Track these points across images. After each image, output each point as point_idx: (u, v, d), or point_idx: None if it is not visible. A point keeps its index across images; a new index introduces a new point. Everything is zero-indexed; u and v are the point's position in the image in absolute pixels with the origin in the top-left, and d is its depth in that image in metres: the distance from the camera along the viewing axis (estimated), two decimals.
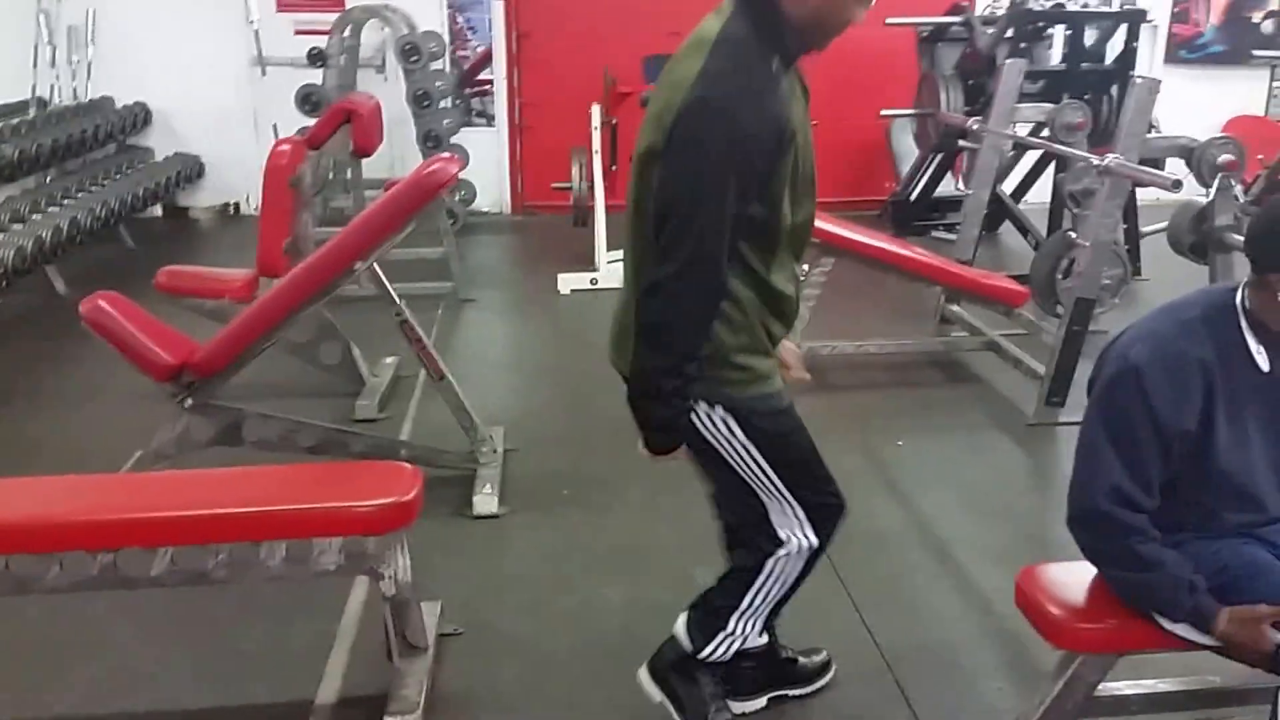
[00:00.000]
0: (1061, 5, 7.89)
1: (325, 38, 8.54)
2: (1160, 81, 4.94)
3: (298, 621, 3.50)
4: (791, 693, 3.12)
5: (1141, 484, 2.36)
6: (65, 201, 7.27)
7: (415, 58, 8.29)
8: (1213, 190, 5.15)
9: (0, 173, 6.97)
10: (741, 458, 2.57)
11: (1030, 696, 2.79)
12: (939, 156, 8.47)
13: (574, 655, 3.37)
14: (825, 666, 3.19)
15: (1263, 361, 2.38)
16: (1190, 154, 5.92)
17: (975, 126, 6.69)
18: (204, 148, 9.40)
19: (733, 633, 2.82)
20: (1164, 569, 2.35)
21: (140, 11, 8.93)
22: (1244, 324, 2.38)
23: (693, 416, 2.52)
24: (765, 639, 3.01)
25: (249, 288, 5.09)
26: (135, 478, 3.76)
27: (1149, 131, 5.23)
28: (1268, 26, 10.09)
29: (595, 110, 7.78)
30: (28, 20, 8.69)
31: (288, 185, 5.26)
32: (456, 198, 8.55)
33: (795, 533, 2.67)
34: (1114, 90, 7.54)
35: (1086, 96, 7.23)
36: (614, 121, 7.95)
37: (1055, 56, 8.22)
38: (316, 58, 8.61)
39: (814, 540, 2.68)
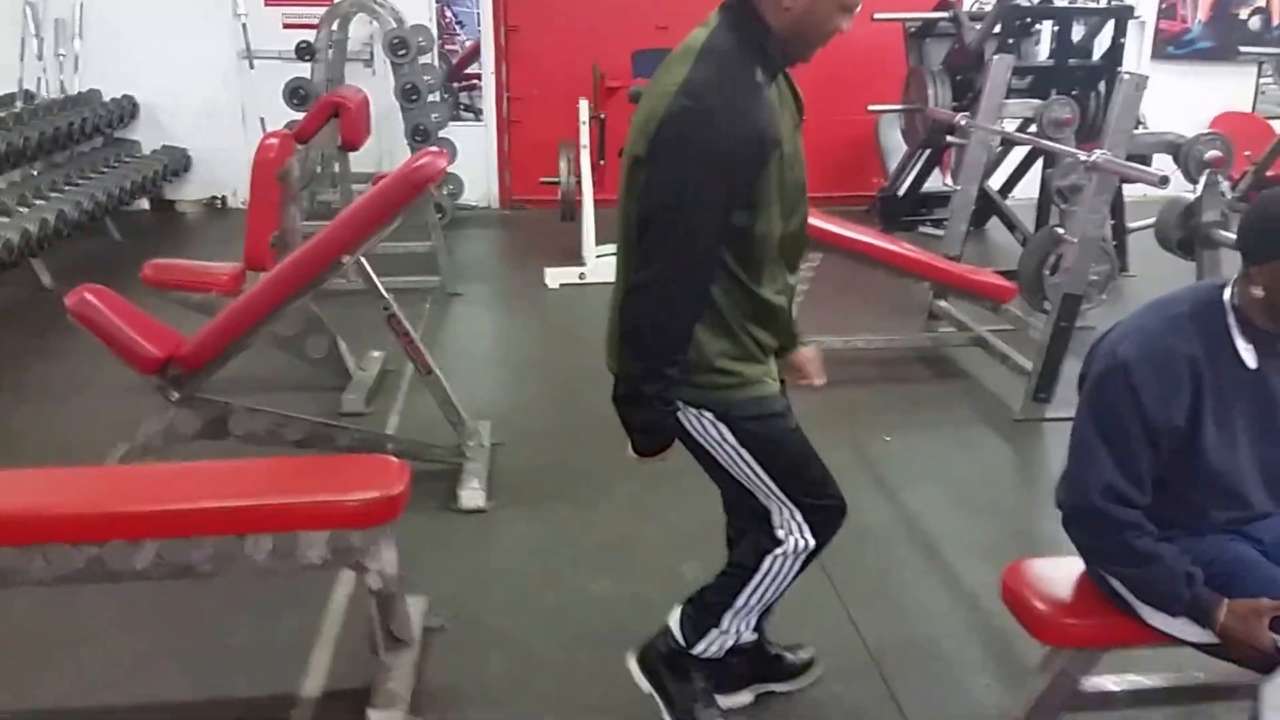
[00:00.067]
0: (1049, 1, 7.89)
1: (313, 31, 8.52)
2: (1147, 77, 4.94)
3: (283, 615, 3.49)
4: (778, 688, 3.12)
5: (1134, 480, 2.36)
6: (52, 195, 7.24)
7: (403, 52, 8.27)
8: (1200, 186, 5.15)
9: None
10: (733, 460, 2.58)
11: (1016, 692, 2.80)
12: (927, 152, 8.48)
13: (561, 650, 3.37)
14: (812, 662, 3.19)
15: (1250, 359, 2.38)
16: (1177, 150, 5.93)
17: (963, 122, 6.69)
18: (191, 141, 9.36)
19: (725, 630, 2.82)
20: (1161, 562, 2.36)
21: (128, 5, 8.89)
22: (1232, 321, 2.38)
23: (682, 420, 2.53)
24: (755, 635, 3.01)
25: (235, 281, 5.08)
26: (121, 470, 3.75)
27: (1136, 127, 5.24)
28: (1255, 23, 10.11)
29: (583, 105, 7.78)
30: (14, 13, 8.65)
31: (275, 179, 5.25)
32: (444, 192, 8.54)
33: (794, 533, 2.67)
34: (1101, 86, 7.54)
35: (1074, 92, 7.25)
36: (602, 116, 7.94)
37: (1043, 52, 8.22)
38: (305, 51, 8.58)
39: (811, 541, 2.68)
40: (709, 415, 2.52)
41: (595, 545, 4.01)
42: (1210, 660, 2.48)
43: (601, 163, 7.89)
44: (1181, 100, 8.99)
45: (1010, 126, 7.13)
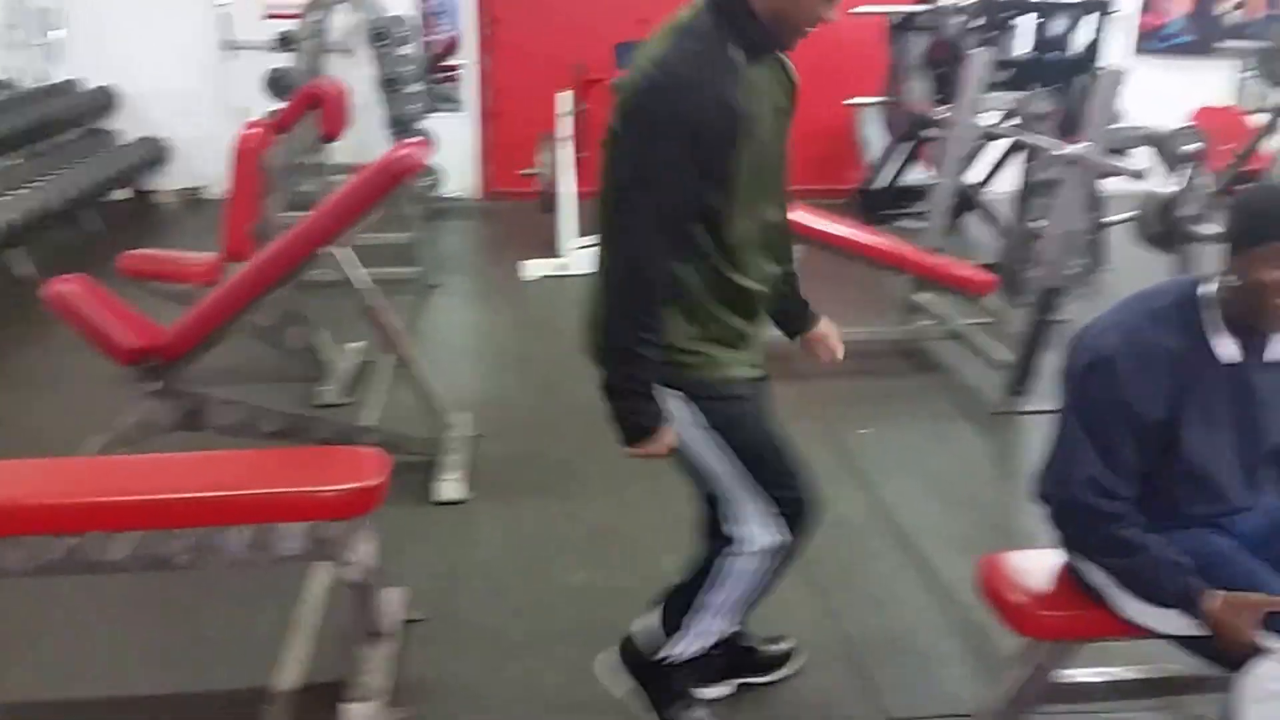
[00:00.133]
0: None
1: (295, 21, 8.47)
2: (1125, 72, 4.95)
3: (260, 607, 3.48)
4: (756, 680, 3.13)
5: (1118, 473, 2.37)
6: (31, 185, 7.19)
7: (384, 42, 8.24)
8: (1180, 180, 5.16)
9: None
10: (700, 444, 2.57)
11: (993, 684, 2.81)
12: (906, 145, 8.49)
13: (540, 642, 3.37)
14: (792, 654, 3.20)
15: (1230, 353, 2.39)
16: (1157, 144, 5.95)
17: (943, 115, 6.69)
18: (171, 131, 9.32)
19: (696, 633, 2.80)
20: (1148, 553, 2.37)
21: None
22: (1212, 315, 2.39)
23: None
24: (735, 628, 3.00)
25: (213, 272, 5.05)
26: (98, 461, 3.72)
27: (1116, 121, 5.25)
28: (1235, 17, 10.14)
29: (564, 97, 7.76)
30: None
31: (255, 169, 5.23)
32: (425, 183, 8.51)
33: (751, 529, 2.64)
34: (1082, 80, 7.56)
35: (1058, 85, 7.26)
36: (583, 108, 7.93)
37: (1024, 46, 8.22)
38: (286, 41, 8.55)
39: (774, 539, 2.64)
40: (675, 394, 2.51)
41: (575, 537, 4.01)
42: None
43: (582, 155, 7.87)
44: (1163, 94, 9.00)
45: (991, 120, 7.14)
